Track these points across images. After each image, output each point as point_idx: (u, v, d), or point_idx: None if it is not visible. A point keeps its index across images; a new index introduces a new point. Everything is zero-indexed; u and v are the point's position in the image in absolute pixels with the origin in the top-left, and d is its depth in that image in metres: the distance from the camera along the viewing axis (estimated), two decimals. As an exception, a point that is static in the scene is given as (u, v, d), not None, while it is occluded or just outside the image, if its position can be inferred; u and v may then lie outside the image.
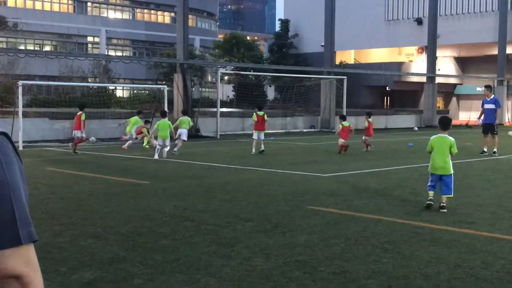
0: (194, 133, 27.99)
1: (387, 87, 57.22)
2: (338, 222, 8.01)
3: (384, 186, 11.55)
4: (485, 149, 18.43)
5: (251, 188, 11.25)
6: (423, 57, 54.67)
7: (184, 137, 18.84)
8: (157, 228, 7.59)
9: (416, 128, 36.83)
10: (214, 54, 56.53)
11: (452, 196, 9.02)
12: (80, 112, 18.83)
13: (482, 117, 18.76)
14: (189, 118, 19.75)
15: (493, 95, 18.85)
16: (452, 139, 9.12)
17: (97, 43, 62.85)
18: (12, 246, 1.32)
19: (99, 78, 46.92)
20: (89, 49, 64.30)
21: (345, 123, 18.88)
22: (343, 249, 6.56)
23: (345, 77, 34.95)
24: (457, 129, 39.25)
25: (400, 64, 56.66)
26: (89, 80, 50.03)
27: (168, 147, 17.44)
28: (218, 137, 27.44)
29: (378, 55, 60.19)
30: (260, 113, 18.67)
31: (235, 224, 7.82)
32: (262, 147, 18.44)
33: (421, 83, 47.78)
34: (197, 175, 13.26)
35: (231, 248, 6.52)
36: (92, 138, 23.10)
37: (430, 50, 43.54)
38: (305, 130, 33.82)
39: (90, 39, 64.40)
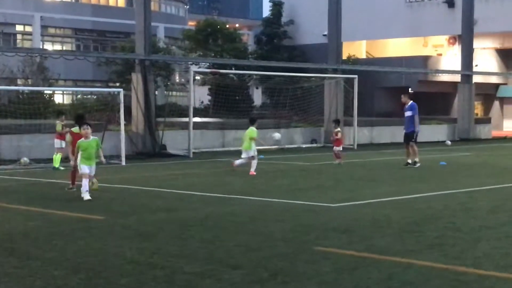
0: (158, 151, 27.95)
1: (410, 89, 57.36)
2: (356, 267, 8.00)
3: (413, 219, 11.55)
4: (409, 161, 21.82)
5: (239, 224, 11.21)
6: (456, 49, 55.16)
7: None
8: (116, 279, 7.53)
9: (449, 142, 36.97)
10: (183, 47, 56.64)
11: None
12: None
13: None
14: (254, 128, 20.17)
15: (410, 101, 22.14)
16: None
17: (29, 34, 62.65)
18: None
19: (32, 80, 46.68)
20: (18, 41, 64.06)
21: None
22: (365, 304, 6.55)
23: (356, 76, 35.12)
24: (501, 143, 39.58)
25: (426, 59, 57.05)
26: (19, 82, 49.73)
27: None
28: (191, 155, 27.40)
29: (398, 47, 60.60)
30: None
31: (219, 272, 7.78)
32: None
33: (454, 83, 48.15)
34: (167, 207, 13.18)
35: (217, 305, 6.48)
36: (24, 159, 22.98)
37: (465, 41, 43.89)
38: (304, 146, 33.87)
39: (19, 28, 64.20)
